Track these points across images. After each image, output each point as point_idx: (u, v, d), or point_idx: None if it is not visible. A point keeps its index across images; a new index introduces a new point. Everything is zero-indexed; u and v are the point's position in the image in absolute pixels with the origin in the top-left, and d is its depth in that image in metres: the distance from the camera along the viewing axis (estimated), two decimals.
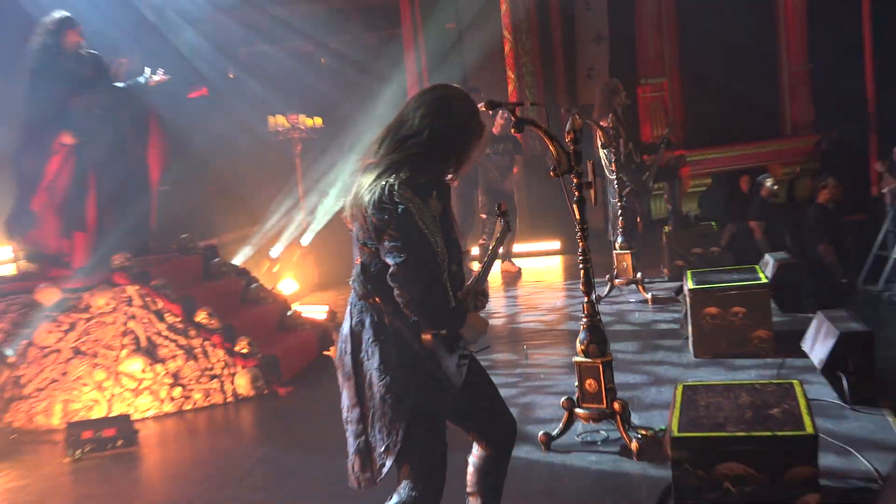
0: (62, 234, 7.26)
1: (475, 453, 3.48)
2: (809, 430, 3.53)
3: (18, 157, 7.29)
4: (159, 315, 6.88)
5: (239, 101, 12.26)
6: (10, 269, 8.08)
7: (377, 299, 3.00)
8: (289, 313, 8.20)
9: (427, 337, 2.98)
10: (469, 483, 3.52)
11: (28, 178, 7.23)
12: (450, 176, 3.12)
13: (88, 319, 6.82)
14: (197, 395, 6.68)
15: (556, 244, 12.03)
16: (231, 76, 13.13)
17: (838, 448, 4.40)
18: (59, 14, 7.17)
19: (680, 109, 13.20)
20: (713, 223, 10.27)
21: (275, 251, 10.89)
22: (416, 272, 2.85)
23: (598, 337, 4.87)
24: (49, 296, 6.90)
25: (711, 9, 12.33)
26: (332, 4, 13.86)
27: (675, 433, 3.66)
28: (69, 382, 6.60)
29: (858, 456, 4.30)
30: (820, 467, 3.53)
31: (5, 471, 5.63)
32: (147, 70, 7.61)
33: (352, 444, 3.08)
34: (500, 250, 3.74)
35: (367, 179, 2.94)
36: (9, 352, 6.15)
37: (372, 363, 3.00)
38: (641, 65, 13.14)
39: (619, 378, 5.06)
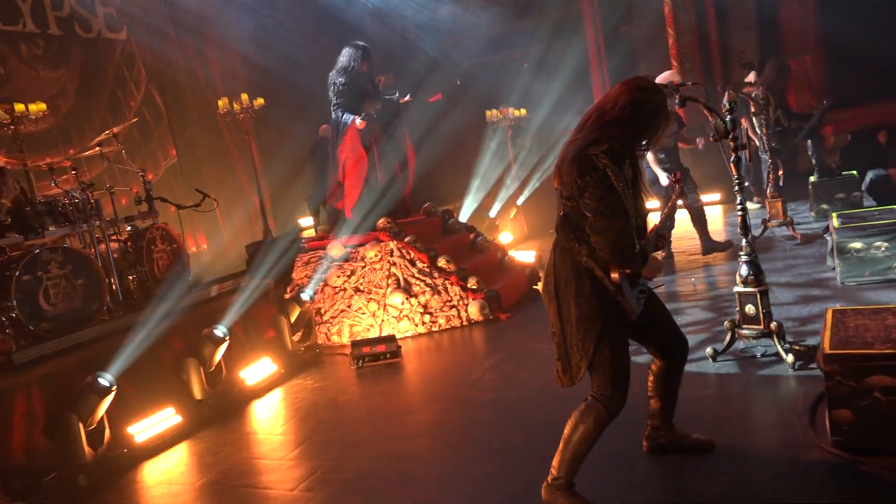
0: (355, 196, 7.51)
1: (654, 365, 3.35)
2: None
3: (323, 144, 7.68)
4: (412, 262, 7.00)
5: (465, 101, 12.30)
6: (311, 233, 8.54)
7: (575, 243, 2.91)
8: (506, 258, 8.14)
9: (615, 274, 2.87)
10: (650, 388, 3.41)
11: (333, 159, 7.54)
12: (639, 152, 2.96)
13: (363, 266, 7.05)
14: (441, 321, 6.76)
15: (717, 196, 11.19)
16: (458, 83, 13.15)
17: None
18: (361, 44, 7.45)
19: (822, 78, 11.84)
20: (854, 172, 9.17)
21: (492, 212, 10.85)
22: (610, 222, 2.77)
23: (755, 270, 4.48)
24: (337, 250, 7.21)
25: None
26: (531, 21, 13.59)
27: (828, 350, 3.24)
28: (352, 312, 6.88)
29: None
30: None
31: (312, 375, 5.96)
32: (398, 92, 7.76)
33: (555, 354, 3.02)
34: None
35: (574, 148, 2.87)
36: (306, 295, 6.43)
37: (570, 292, 2.92)
38: (787, 44, 11.91)
39: (774, 302, 4.59)
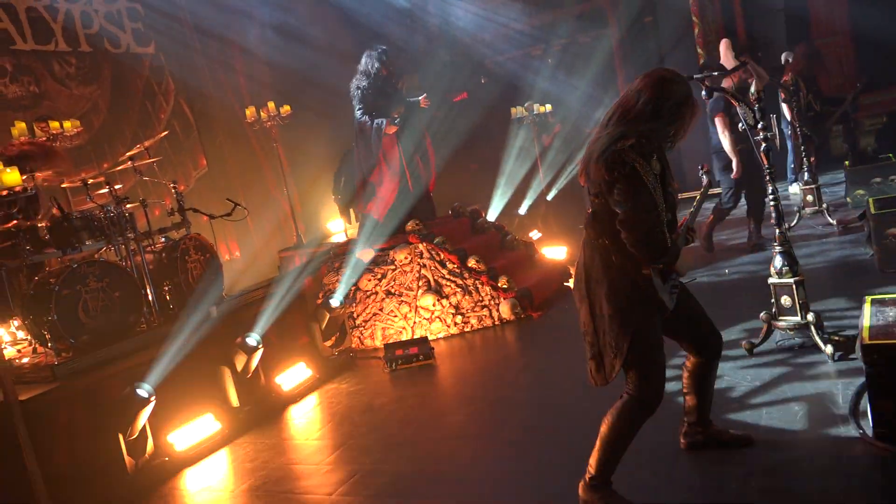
0: (390, 199, 7.56)
1: (688, 360, 3.32)
2: None
3: (354, 149, 7.75)
4: (442, 263, 7.01)
5: (489, 99, 12.29)
6: (342, 238, 8.59)
7: (605, 240, 2.89)
8: (536, 255, 8.11)
9: (646, 270, 2.84)
10: (685, 385, 3.38)
11: (364, 163, 7.59)
12: (666, 145, 2.92)
13: (394, 269, 7.08)
14: (473, 321, 6.76)
15: None
16: (483, 81, 13.14)
17: None
18: (381, 47, 7.53)
19: (852, 61, 11.58)
20: (890, 155, 8.96)
21: (522, 209, 10.81)
22: (640, 217, 2.75)
23: (789, 260, 4.40)
24: (367, 255, 7.25)
25: None
26: (553, 16, 13.53)
27: (867, 341, 3.18)
28: (384, 315, 6.92)
29: None
30: None
31: (347, 378, 6.00)
32: (424, 94, 7.78)
33: (588, 352, 3.00)
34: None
35: (600, 145, 2.83)
36: (335, 300, 6.47)
37: (601, 290, 2.90)
38: (815, 27, 11.67)
39: (810, 291, 4.49)
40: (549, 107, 11.66)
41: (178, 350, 5.03)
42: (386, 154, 7.43)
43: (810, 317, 4.30)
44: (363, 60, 7.42)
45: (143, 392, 4.47)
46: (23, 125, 6.51)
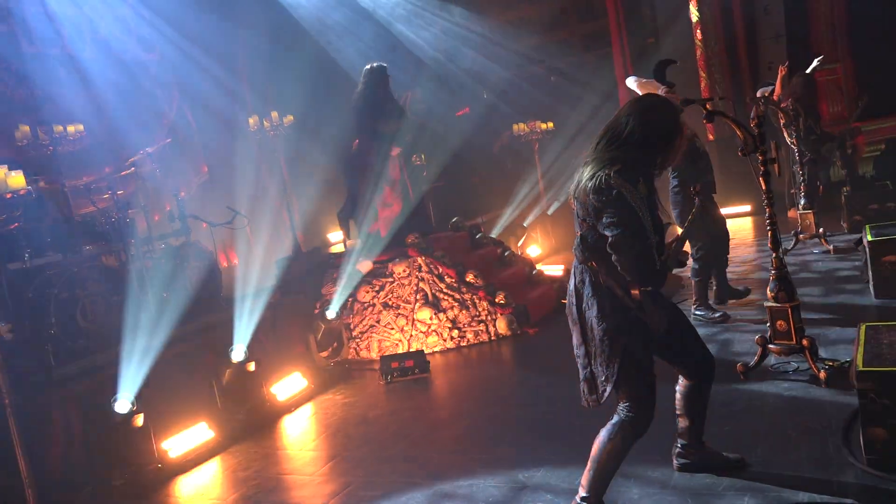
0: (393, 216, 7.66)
1: (681, 382, 3.34)
2: None
3: (348, 168, 7.81)
4: (440, 277, 7.03)
5: (491, 115, 12.38)
6: (339, 248, 8.61)
7: (593, 263, 2.92)
8: (534, 272, 8.13)
9: (636, 292, 2.87)
10: (678, 406, 3.39)
11: (366, 183, 7.60)
12: (654, 170, 2.94)
13: (392, 282, 7.10)
14: (469, 335, 6.78)
15: (746, 207, 11.10)
16: (485, 96, 13.23)
17: None
18: (377, 64, 7.60)
19: (853, 88, 11.67)
20: (888, 182, 9.03)
21: (526, 222, 10.87)
22: (630, 241, 2.75)
23: (785, 285, 4.43)
24: (365, 266, 7.27)
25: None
26: (559, 35, 13.67)
27: (861, 367, 3.20)
28: (381, 327, 6.93)
29: None
30: None
31: (342, 390, 6.00)
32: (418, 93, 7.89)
33: (581, 374, 3.03)
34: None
35: (588, 170, 2.87)
36: (331, 312, 6.50)
37: (592, 312, 2.93)
38: (817, 54, 11.76)
39: (806, 317, 4.53)
40: (551, 124, 11.74)
41: (174, 357, 5.05)
42: (389, 177, 7.51)
43: (805, 341, 4.32)
44: (360, 81, 7.53)
45: (122, 403, 4.47)
46: (26, 128, 6.54)
